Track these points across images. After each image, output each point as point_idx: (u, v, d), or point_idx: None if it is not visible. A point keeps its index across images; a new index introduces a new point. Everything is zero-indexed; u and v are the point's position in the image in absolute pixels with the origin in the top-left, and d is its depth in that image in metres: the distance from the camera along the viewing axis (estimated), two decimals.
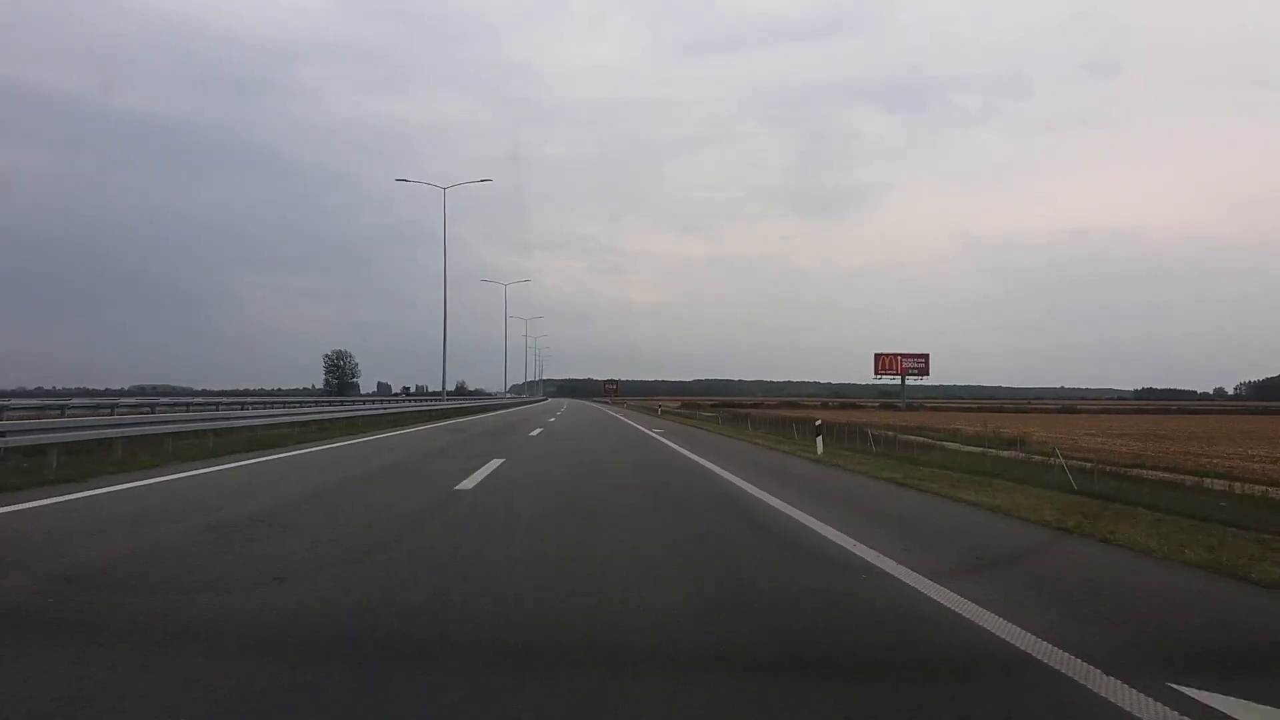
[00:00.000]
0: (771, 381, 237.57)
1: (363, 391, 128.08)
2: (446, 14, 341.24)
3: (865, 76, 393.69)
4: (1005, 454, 22.76)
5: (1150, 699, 3.24)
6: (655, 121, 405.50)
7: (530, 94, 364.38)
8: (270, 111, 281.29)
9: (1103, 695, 3.32)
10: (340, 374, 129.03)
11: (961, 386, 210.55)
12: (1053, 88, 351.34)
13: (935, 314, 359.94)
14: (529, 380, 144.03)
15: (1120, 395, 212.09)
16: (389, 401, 53.60)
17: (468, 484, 10.62)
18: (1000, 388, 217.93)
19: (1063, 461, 15.40)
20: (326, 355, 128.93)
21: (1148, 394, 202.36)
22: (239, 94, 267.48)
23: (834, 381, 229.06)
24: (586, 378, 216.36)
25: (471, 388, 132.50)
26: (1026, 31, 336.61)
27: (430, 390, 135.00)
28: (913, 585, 5.24)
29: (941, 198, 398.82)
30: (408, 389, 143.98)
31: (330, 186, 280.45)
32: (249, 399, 56.13)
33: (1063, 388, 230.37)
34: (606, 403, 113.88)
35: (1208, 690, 3.29)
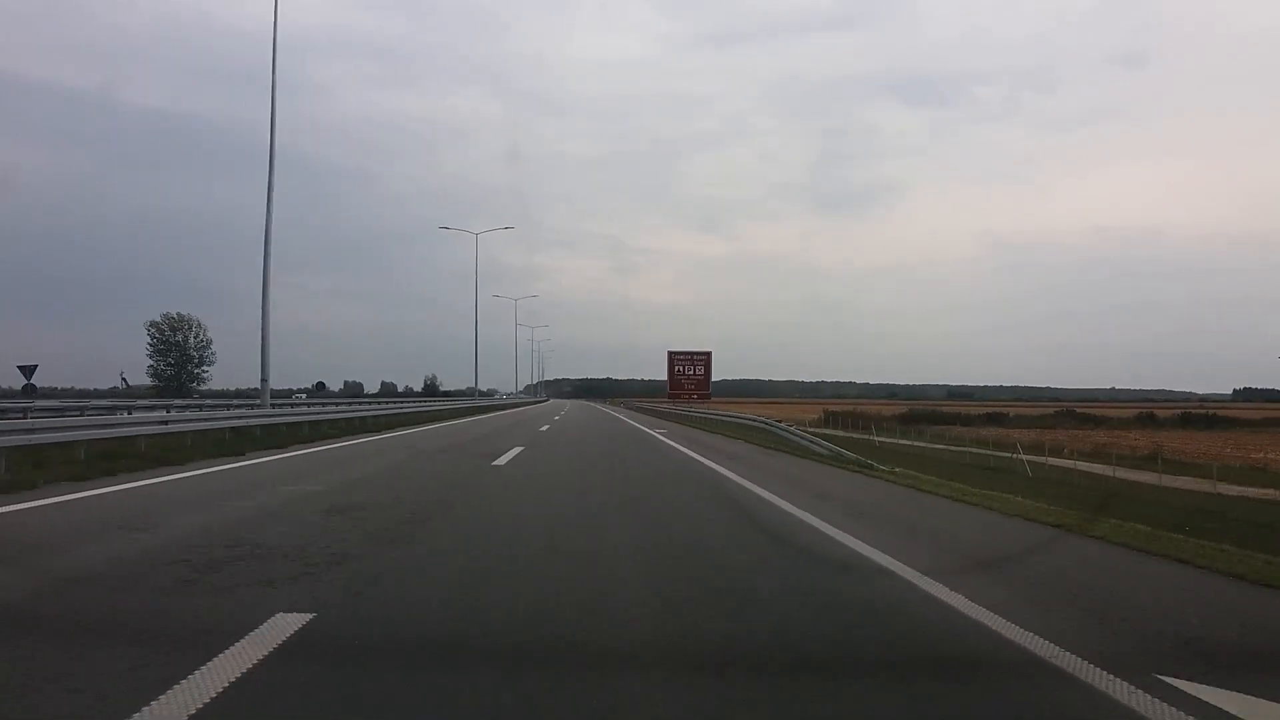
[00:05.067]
0: (804, 382, 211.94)
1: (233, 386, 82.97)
2: (458, 7, 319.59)
3: (887, 70, 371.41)
4: None
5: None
6: (672, 117, 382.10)
7: (544, 88, 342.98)
8: (282, 108, 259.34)
9: None
10: (178, 357, 76.30)
11: (995, 388, 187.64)
12: (1079, 81, 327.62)
13: (960, 312, 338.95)
14: (532, 383, 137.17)
15: (1206, 398, 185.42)
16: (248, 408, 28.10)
17: None
18: (1048, 388, 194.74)
19: None
20: (152, 324, 76.64)
21: (1247, 394, 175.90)
22: (248, 89, 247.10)
23: (871, 382, 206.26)
24: (605, 377, 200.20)
25: (462, 387, 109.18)
26: (1051, 22, 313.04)
27: (410, 389, 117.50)
28: None
29: (964, 194, 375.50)
30: (410, 388, 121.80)
31: (341, 184, 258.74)
32: None
33: (1114, 389, 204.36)
34: (663, 417, 45.86)
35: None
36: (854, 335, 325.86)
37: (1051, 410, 78.36)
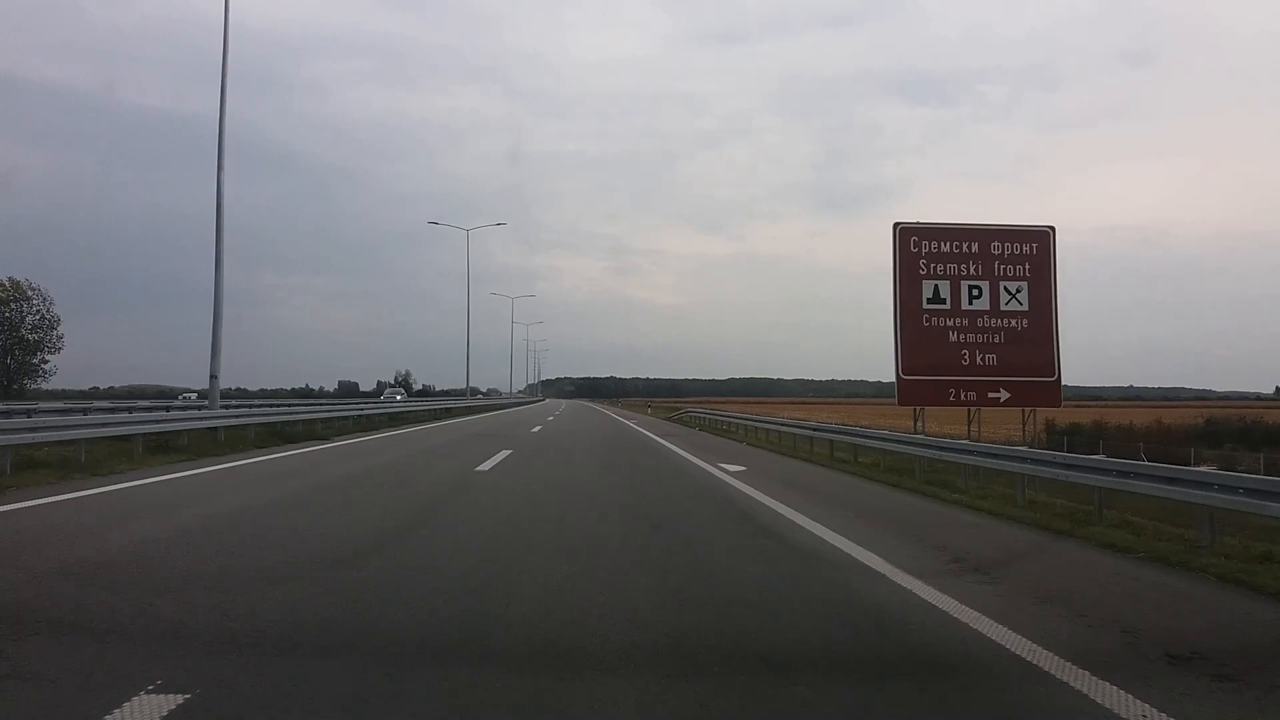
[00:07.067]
0: (816, 380, 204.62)
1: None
2: (458, 6, 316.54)
3: (890, 68, 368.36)
4: None
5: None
6: (674, 116, 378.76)
7: (545, 88, 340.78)
8: (279, 107, 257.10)
9: None
10: (6, 339, 53.05)
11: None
12: (1084, 80, 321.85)
13: None
14: (530, 384, 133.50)
15: (1236, 396, 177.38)
16: None
17: None
18: (1067, 386, 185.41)
19: None
20: None
21: None
22: (247, 89, 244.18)
23: (884, 380, 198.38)
24: (609, 376, 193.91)
25: (458, 387, 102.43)
26: (1055, 21, 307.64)
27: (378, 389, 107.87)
28: None
29: (968, 193, 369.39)
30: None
31: (340, 183, 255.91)
32: None
33: (1131, 387, 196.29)
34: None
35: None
36: (858, 335, 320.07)
37: None
